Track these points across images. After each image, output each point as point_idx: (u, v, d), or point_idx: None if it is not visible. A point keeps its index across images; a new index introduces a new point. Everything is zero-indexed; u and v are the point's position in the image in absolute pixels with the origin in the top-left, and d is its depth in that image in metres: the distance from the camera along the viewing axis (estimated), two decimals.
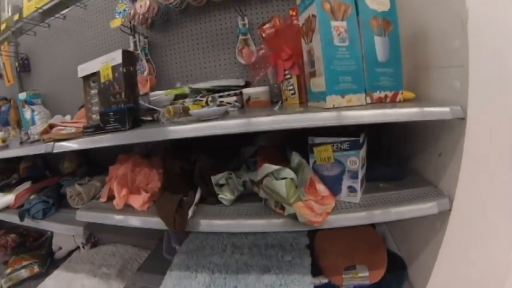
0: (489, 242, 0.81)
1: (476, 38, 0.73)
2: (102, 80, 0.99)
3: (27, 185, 1.52)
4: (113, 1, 1.54)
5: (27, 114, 1.68)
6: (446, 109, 0.75)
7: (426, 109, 0.75)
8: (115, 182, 1.01)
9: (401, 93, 0.89)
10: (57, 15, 1.72)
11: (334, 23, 0.78)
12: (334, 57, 0.78)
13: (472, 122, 0.75)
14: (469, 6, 0.73)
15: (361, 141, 0.83)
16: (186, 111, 0.86)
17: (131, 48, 1.45)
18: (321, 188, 0.84)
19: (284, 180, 0.79)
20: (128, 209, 1.01)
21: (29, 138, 1.55)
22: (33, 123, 1.64)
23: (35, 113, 1.65)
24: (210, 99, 0.92)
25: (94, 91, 1.07)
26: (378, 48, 0.85)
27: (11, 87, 2.04)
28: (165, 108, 0.86)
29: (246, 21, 1.33)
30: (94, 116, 1.06)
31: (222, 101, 0.95)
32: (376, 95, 0.86)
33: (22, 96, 1.76)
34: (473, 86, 0.74)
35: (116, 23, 1.30)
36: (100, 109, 1.00)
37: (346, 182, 0.86)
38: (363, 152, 0.84)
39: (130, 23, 1.43)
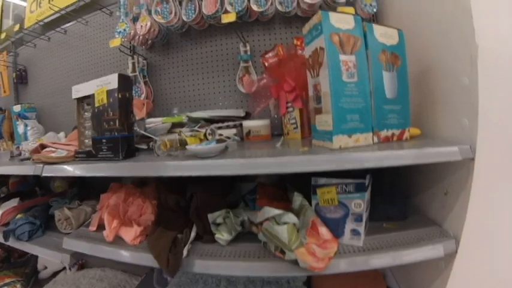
0: (497, 284, 0.75)
1: (486, 75, 0.67)
2: (96, 105, 0.89)
3: (14, 202, 1.41)
4: (114, 19, 1.46)
5: (20, 128, 1.57)
6: (455, 149, 0.68)
7: (434, 150, 0.69)
8: (106, 213, 0.92)
9: (408, 130, 0.83)
10: (57, 29, 1.64)
11: (342, 57, 0.71)
12: (342, 94, 0.71)
13: (481, 161, 0.69)
14: (478, 42, 0.67)
15: (366, 184, 0.75)
16: (183, 144, 0.77)
17: (129, 69, 1.36)
18: (323, 231, 0.76)
19: (286, 226, 0.71)
20: (118, 241, 0.91)
21: (20, 154, 1.45)
22: (26, 138, 1.54)
23: (28, 127, 1.54)
24: (209, 132, 0.83)
25: (87, 114, 0.98)
26: (386, 84, 0.78)
27: (7, 98, 1.93)
28: (161, 140, 0.77)
29: (248, 48, 1.25)
30: (86, 141, 0.97)
31: (221, 134, 0.87)
32: (383, 133, 0.79)
33: (17, 108, 1.67)
34: (482, 124, 0.68)
35: (115, 42, 1.21)
36: (93, 134, 0.91)
37: (349, 225, 0.78)
38: (368, 194, 0.77)
39: (130, 43, 1.35)
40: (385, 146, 0.74)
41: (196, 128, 0.93)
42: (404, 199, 0.93)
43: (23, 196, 1.48)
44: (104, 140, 0.87)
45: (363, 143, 0.75)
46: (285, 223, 0.72)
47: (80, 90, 0.98)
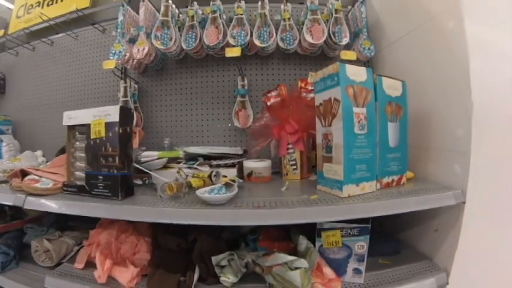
0: None
1: (480, 127, 0.72)
2: (92, 137, 0.79)
3: None
4: (106, 37, 1.33)
5: None
6: (450, 194, 0.72)
7: (432, 196, 0.72)
8: (98, 252, 0.81)
9: (406, 175, 0.84)
10: (44, 39, 1.45)
11: (355, 110, 0.69)
12: (353, 145, 0.69)
13: (471, 203, 0.73)
14: (474, 99, 0.71)
15: (370, 228, 0.75)
16: (189, 187, 0.71)
17: (121, 93, 1.22)
18: (327, 271, 0.75)
19: (299, 271, 0.68)
20: (111, 282, 0.79)
21: None
22: (0, 155, 1.34)
23: (3, 143, 1.34)
24: (214, 174, 0.77)
25: (79, 144, 0.86)
26: (390, 133, 0.78)
27: None
28: (166, 183, 0.70)
29: (246, 82, 1.17)
30: (77, 173, 0.85)
31: (225, 176, 0.81)
32: (385, 180, 0.79)
33: None
34: (473, 171, 0.72)
35: (109, 64, 1.08)
36: (86, 168, 0.80)
37: (352, 265, 0.77)
38: None
39: (122, 65, 1.22)
40: (387, 192, 0.75)
41: (195, 166, 0.86)
42: (394, 234, 0.94)
43: None
44: (101, 177, 0.76)
45: (367, 190, 0.74)
46: (296, 268, 0.69)
47: (73, 117, 0.86)
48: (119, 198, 0.73)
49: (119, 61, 1.11)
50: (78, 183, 0.83)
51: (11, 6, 1.64)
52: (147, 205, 0.67)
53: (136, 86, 1.27)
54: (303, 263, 0.69)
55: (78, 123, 0.85)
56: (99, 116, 0.79)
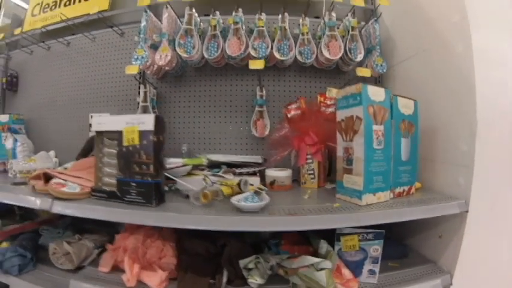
0: None
1: (483, 143, 0.79)
2: (125, 144, 0.82)
3: None
4: (125, 40, 1.35)
5: (8, 142, 1.34)
6: (454, 204, 0.81)
7: (439, 205, 0.80)
8: (126, 256, 0.84)
9: (415, 186, 0.92)
10: (60, 39, 1.46)
11: (375, 127, 0.77)
12: (372, 159, 0.77)
13: (473, 213, 0.81)
14: (479, 117, 0.79)
15: (384, 233, 0.82)
16: (222, 196, 0.76)
17: (140, 98, 1.24)
18: (346, 272, 0.82)
19: (324, 271, 0.74)
20: (139, 285, 0.82)
21: (5, 170, 1.27)
22: (14, 154, 1.34)
23: (18, 143, 1.34)
24: (243, 182, 0.83)
25: (108, 150, 0.90)
26: (403, 148, 0.86)
27: None
28: (201, 190, 0.75)
29: (264, 92, 1.21)
30: (106, 179, 0.88)
31: (252, 184, 0.87)
32: (397, 190, 0.86)
33: (4, 118, 1.44)
34: (476, 183, 0.80)
35: (132, 70, 1.10)
36: (118, 175, 0.84)
37: (367, 266, 0.85)
38: None
39: (142, 70, 1.25)
40: (400, 201, 0.83)
41: (221, 174, 0.91)
42: (404, 244, 1.02)
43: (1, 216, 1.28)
44: (134, 184, 0.80)
45: (383, 199, 0.82)
46: (322, 269, 0.75)
47: (102, 122, 0.88)
48: (153, 205, 0.77)
49: (141, 66, 1.14)
50: (107, 188, 0.86)
51: (23, 4, 1.64)
52: (185, 212, 0.72)
53: (154, 91, 1.30)
54: (327, 264, 0.76)
55: (108, 129, 0.87)
56: (132, 124, 0.82)
